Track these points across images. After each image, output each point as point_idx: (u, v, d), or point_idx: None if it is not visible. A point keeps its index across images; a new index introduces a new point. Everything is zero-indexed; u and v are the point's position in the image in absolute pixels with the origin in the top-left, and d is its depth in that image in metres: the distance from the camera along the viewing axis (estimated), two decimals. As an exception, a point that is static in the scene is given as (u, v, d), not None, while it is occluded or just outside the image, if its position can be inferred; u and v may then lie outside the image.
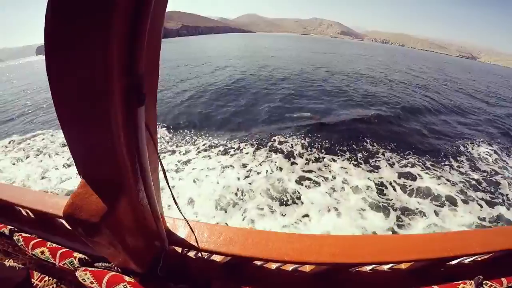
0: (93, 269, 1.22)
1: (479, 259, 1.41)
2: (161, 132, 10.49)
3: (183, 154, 8.67)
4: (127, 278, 1.12)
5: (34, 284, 1.80)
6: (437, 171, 7.95)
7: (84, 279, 1.17)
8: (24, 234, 1.62)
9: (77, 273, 1.21)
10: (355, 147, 9.18)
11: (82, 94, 0.65)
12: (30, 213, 1.87)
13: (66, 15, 0.55)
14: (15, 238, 1.61)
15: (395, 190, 6.87)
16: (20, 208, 1.88)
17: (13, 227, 1.71)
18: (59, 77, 0.64)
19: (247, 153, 8.46)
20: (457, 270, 1.40)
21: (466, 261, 1.42)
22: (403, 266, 1.40)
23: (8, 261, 1.95)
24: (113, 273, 1.17)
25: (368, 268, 1.41)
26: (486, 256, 1.41)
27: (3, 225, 1.74)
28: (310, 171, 7.53)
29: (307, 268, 1.40)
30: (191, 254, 1.47)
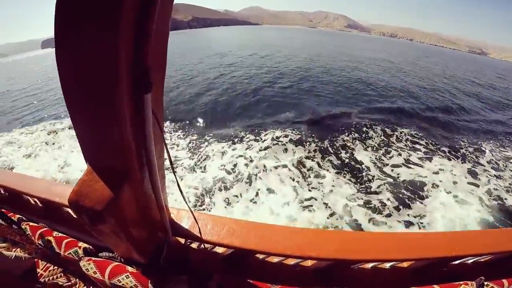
0: (97, 259, 1.23)
1: (481, 260, 1.40)
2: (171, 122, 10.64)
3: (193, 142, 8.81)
4: (129, 268, 1.13)
5: (39, 274, 1.84)
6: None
7: (87, 269, 1.18)
8: (31, 223, 1.64)
9: (81, 263, 1.22)
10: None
11: (90, 81, 0.65)
12: (38, 202, 1.89)
13: (75, 4, 0.55)
14: (23, 227, 1.63)
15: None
16: (29, 197, 1.90)
17: (21, 216, 1.73)
18: (68, 65, 0.65)
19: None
20: (459, 270, 1.39)
21: (469, 261, 1.40)
22: (405, 264, 1.39)
23: (15, 251, 1.99)
24: (116, 263, 1.18)
25: (369, 265, 1.40)
26: (488, 257, 1.40)
27: (12, 213, 1.76)
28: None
29: (308, 263, 1.40)
30: (194, 245, 1.47)
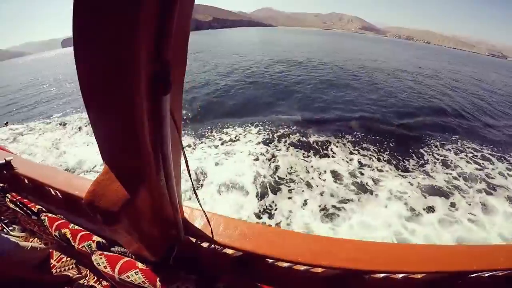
0: (109, 253, 1.24)
1: (499, 274, 1.33)
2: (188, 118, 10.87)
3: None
4: (139, 264, 1.14)
5: (52, 265, 1.89)
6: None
7: (98, 263, 1.19)
8: (50, 215, 1.68)
9: (93, 257, 1.23)
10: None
11: (108, 80, 0.64)
12: (59, 194, 1.94)
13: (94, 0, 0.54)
14: (41, 218, 1.68)
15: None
16: (50, 189, 1.95)
17: (41, 207, 1.78)
18: (86, 64, 0.64)
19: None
20: (475, 284, 1.33)
21: (485, 275, 1.34)
22: (418, 276, 1.35)
23: (32, 241, 2.07)
24: (127, 259, 1.19)
25: (381, 275, 1.36)
26: (506, 272, 1.32)
27: (33, 204, 1.82)
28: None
29: (319, 270, 1.37)
30: (205, 245, 1.48)
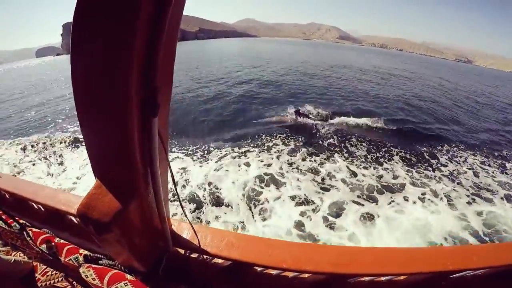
0: (97, 266, 1.23)
1: (480, 273, 1.37)
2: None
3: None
4: (129, 276, 1.14)
5: (37, 278, 1.87)
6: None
7: (86, 275, 1.18)
8: (34, 229, 1.67)
9: (81, 270, 1.22)
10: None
11: (103, 103, 0.71)
12: (42, 208, 1.92)
13: (91, 28, 0.60)
14: (25, 232, 1.65)
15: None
16: (33, 203, 1.93)
17: (24, 222, 1.75)
18: (82, 89, 0.71)
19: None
20: (458, 284, 1.37)
21: (468, 275, 1.38)
22: (401, 278, 1.37)
23: (14, 255, 2.03)
24: (116, 271, 1.18)
25: (366, 279, 1.39)
26: (489, 271, 1.37)
27: (17, 218, 1.80)
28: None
29: (305, 276, 1.40)
30: (194, 256, 1.50)
